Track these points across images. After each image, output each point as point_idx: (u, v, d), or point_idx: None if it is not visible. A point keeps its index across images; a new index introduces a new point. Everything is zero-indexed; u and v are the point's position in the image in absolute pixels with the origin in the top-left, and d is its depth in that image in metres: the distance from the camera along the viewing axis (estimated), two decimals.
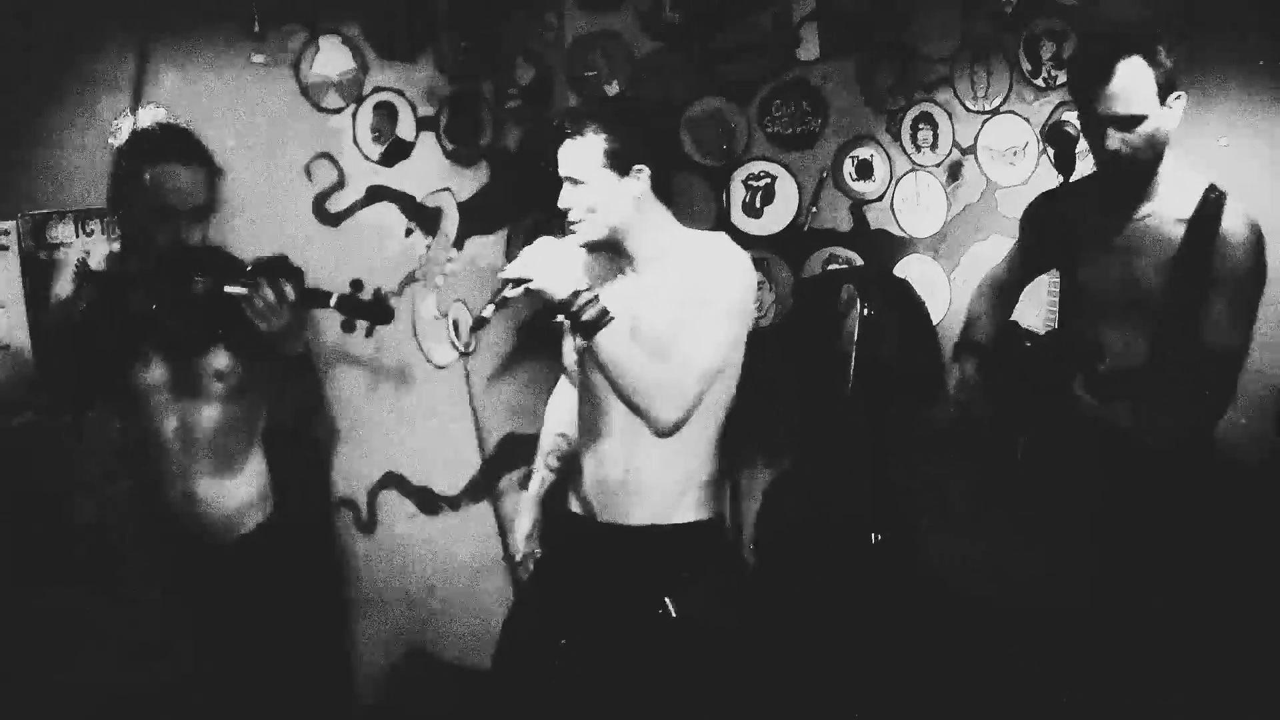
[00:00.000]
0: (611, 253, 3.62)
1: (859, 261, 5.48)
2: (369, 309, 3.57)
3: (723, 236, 3.58)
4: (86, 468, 4.12)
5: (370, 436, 4.97)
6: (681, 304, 3.41)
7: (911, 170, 5.42)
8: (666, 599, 3.46)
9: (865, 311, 4.88)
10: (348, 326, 3.78)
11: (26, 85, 4.24)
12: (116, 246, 3.97)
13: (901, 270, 5.42)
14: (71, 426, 3.66)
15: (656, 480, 3.54)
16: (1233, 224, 3.52)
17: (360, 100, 4.86)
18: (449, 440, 5.17)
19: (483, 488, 5.25)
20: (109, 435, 4.07)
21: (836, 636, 4.73)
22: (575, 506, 3.74)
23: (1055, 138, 3.25)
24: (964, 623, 4.89)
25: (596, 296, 3.34)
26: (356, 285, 3.51)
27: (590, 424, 3.67)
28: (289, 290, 3.42)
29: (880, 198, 5.46)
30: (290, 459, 4.00)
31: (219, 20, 4.51)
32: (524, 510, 4.02)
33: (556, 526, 3.85)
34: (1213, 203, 3.55)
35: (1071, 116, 4.86)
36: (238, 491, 3.77)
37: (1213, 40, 4.81)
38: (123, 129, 3.60)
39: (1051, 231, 3.94)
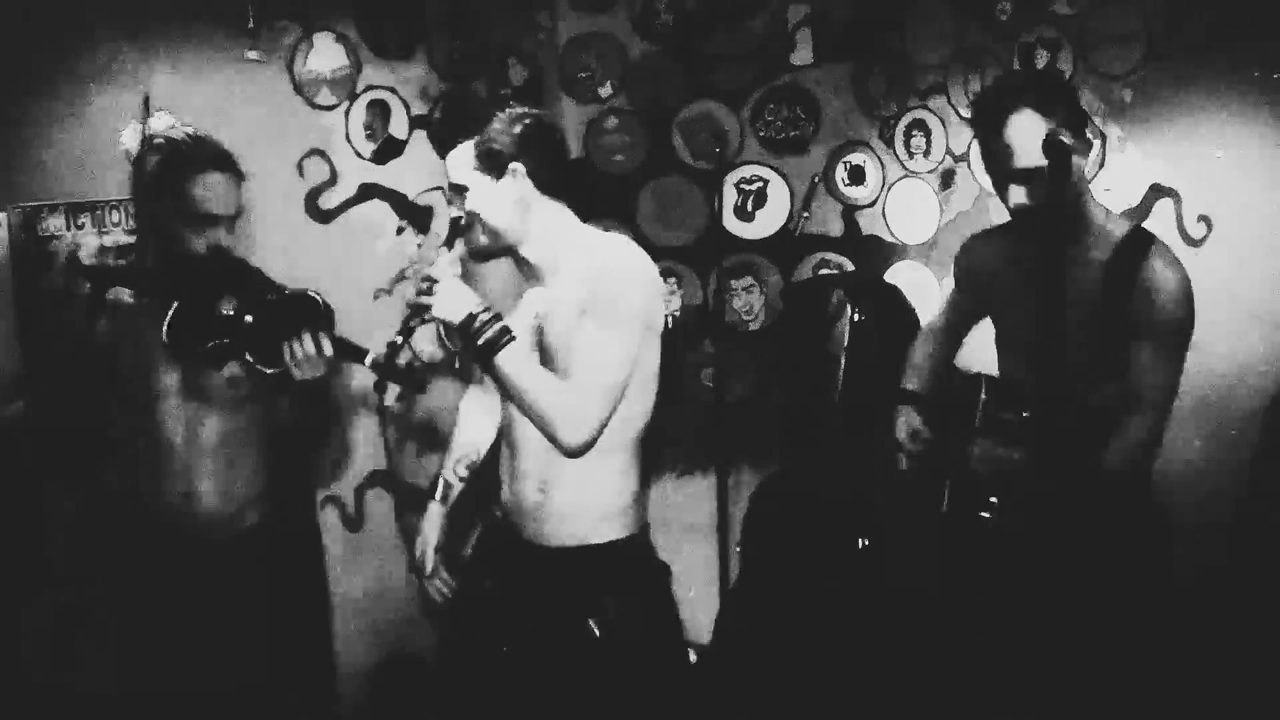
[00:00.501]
0: (513, 262, 3.43)
1: (850, 267, 5.48)
2: (404, 377, 3.50)
3: (621, 239, 3.36)
4: (74, 461, 4.10)
5: (358, 433, 4.96)
6: (581, 314, 3.18)
7: (904, 176, 5.42)
8: (590, 621, 3.32)
9: (855, 317, 4.87)
10: (379, 387, 3.77)
11: (18, 79, 4.24)
12: (110, 240, 3.95)
13: (892, 276, 5.42)
14: (56, 425, 3.65)
15: (572, 500, 3.33)
16: (1160, 268, 3.39)
17: (353, 97, 4.86)
18: (438, 438, 5.16)
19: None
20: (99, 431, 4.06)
21: (822, 639, 4.72)
22: (499, 512, 3.57)
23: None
24: (945, 628, 4.91)
25: (496, 316, 3.17)
26: (393, 347, 3.47)
27: (507, 437, 3.50)
28: (326, 345, 3.41)
29: (872, 203, 5.46)
30: (284, 458, 3.99)
31: (213, 16, 4.50)
32: (432, 522, 3.76)
33: (485, 533, 3.69)
34: (1138, 246, 3.42)
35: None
36: (238, 492, 3.76)
37: (1202, 52, 4.82)
38: (133, 135, 3.58)
39: (980, 275, 3.86)
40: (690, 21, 5.40)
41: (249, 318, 3.42)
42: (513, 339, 3.16)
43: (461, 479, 3.79)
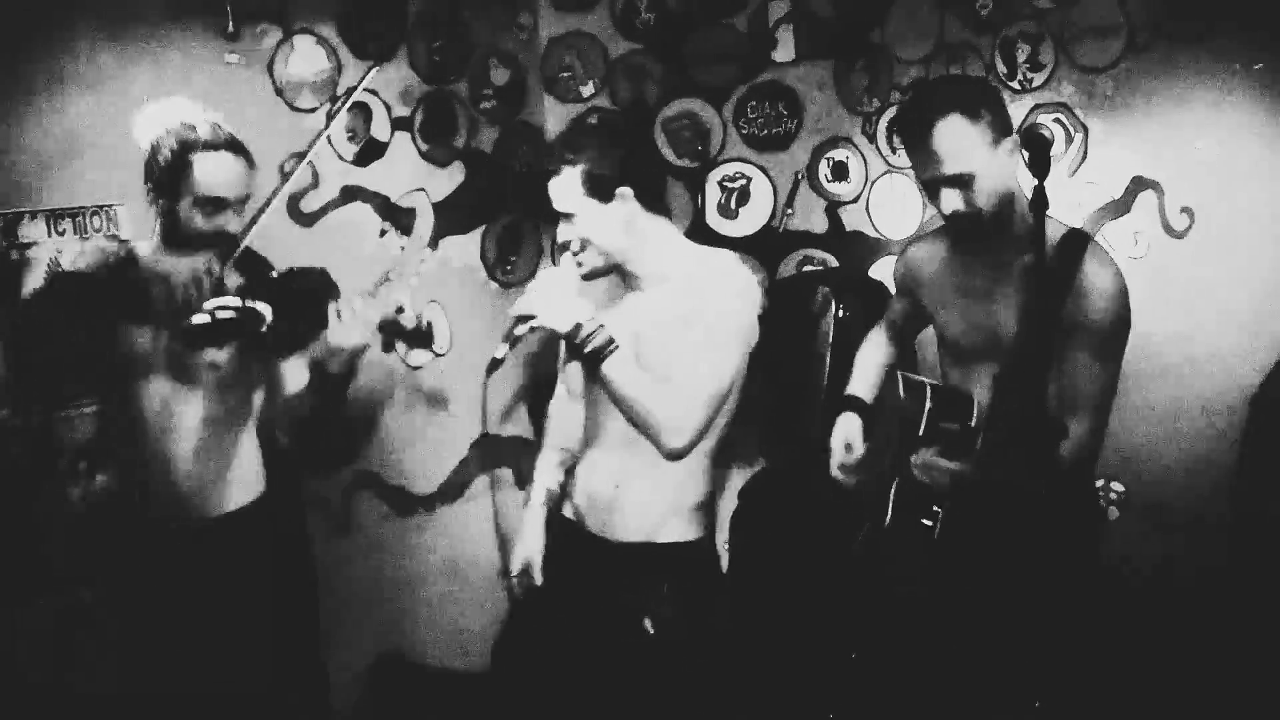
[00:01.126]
0: (619, 276, 3.55)
1: (834, 263, 5.49)
2: (412, 334, 3.59)
3: (728, 255, 3.54)
4: (59, 465, 4.09)
5: (345, 436, 4.95)
6: (685, 326, 3.34)
7: (887, 172, 5.42)
8: (646, 619, 3.43)
9: (840, 313, 4.88)
10: (388, 347, 3.84)
11: None
12: (91, 246, 3.92)
13: (877, 272, 5.42)
14: (42, 426, 3.64)
15: (646, 500, 3.48)
16: (1096, 270, 3.36)
17: (334, 100, 4.84)
18: (424, 440, 5.16)
19: (456, 489, 5.26)
20: (84, 431, 4.05)
21: (812, 637, 4.73)
22: (568, 511, 3.71)
23: (1030, 141, 3.16)
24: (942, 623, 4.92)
25: (600, 327, 3.33)
26: (399, 310, 3.52)
27: (590, 431, 3.65)
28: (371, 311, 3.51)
29: (855, 199, 5.47)
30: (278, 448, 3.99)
31: (194, 20, 4.48)
32: (534, 529, 3.82)
33: (551, 530, 3.79)
34: (1072, 247, 3.39)
35: (1048, 120, 4.91)
36: (233, 469, 3.75)
37: (1183, 43, 4.83)
38: (151, 118, 3.56)
39: (925, 282, 3.84)
40: (671, 20, 5.41)
41: (259, 305, 3.40)
42: (617, 348, 3.33)
43: (560, 482, 3.87)
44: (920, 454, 3.47)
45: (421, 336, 3.64)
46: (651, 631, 3.43)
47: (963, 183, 3.34)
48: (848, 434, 3.93)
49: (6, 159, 4.22)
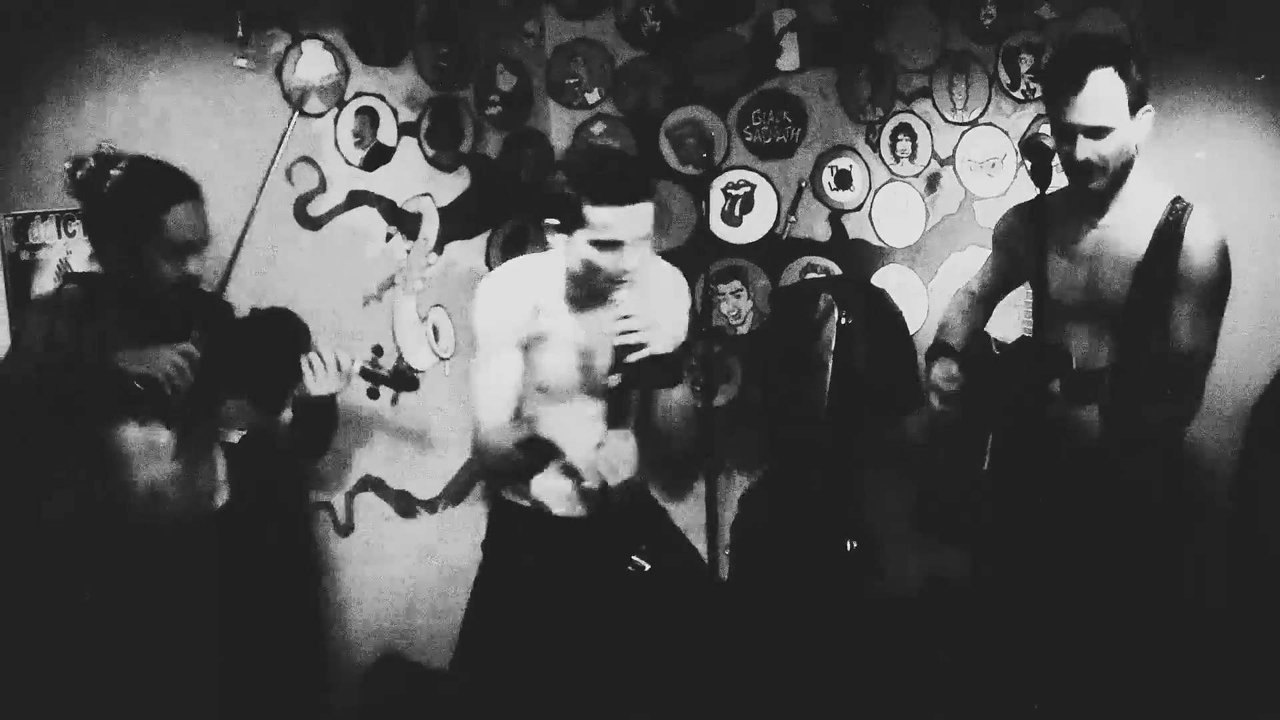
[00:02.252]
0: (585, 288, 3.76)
1: (837, 271, 5.51)
2: (394, 379, 3.65)
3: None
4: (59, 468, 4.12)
5: (348, 439, 4.97)
6: None
7: (890, 180, 5.45)
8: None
9: (843, 320, 4.90)
10: (373, 394, 3.92)
11: (9, 88, 4.25)
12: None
13: (879, 280, 5.45)
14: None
15: None
16: (1198, 234, 3.58)
17: (342, 104, 4.87)
18: (427, 443, 5.18)
19: (460, 491, 5.28)
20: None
21: (811, 642, 4.75)
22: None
23: (1032, 150, 3.27)
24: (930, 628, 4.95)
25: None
26: (378, 351, 3.59)
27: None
28: (343, 359, 3.62)
29: (859, 207, 5.49)
30: (263, 458, 4.02)
31: (203, 25, 4.51)
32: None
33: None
34: (1178, 213, 3.61)
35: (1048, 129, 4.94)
36: (195, 482, 3.77)
37: (1185, 52, 4.86)
38: (84, 161, 3.55)
39: (1021, 244, 3.99)
40: (676, 27, 5.43)
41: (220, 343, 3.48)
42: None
43: None
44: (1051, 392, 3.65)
45: (404, 380, 3.71)
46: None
47: (1100, 134, 3.55)
48: (949, 368, 4.14)
49: (17, 161, 4.25)
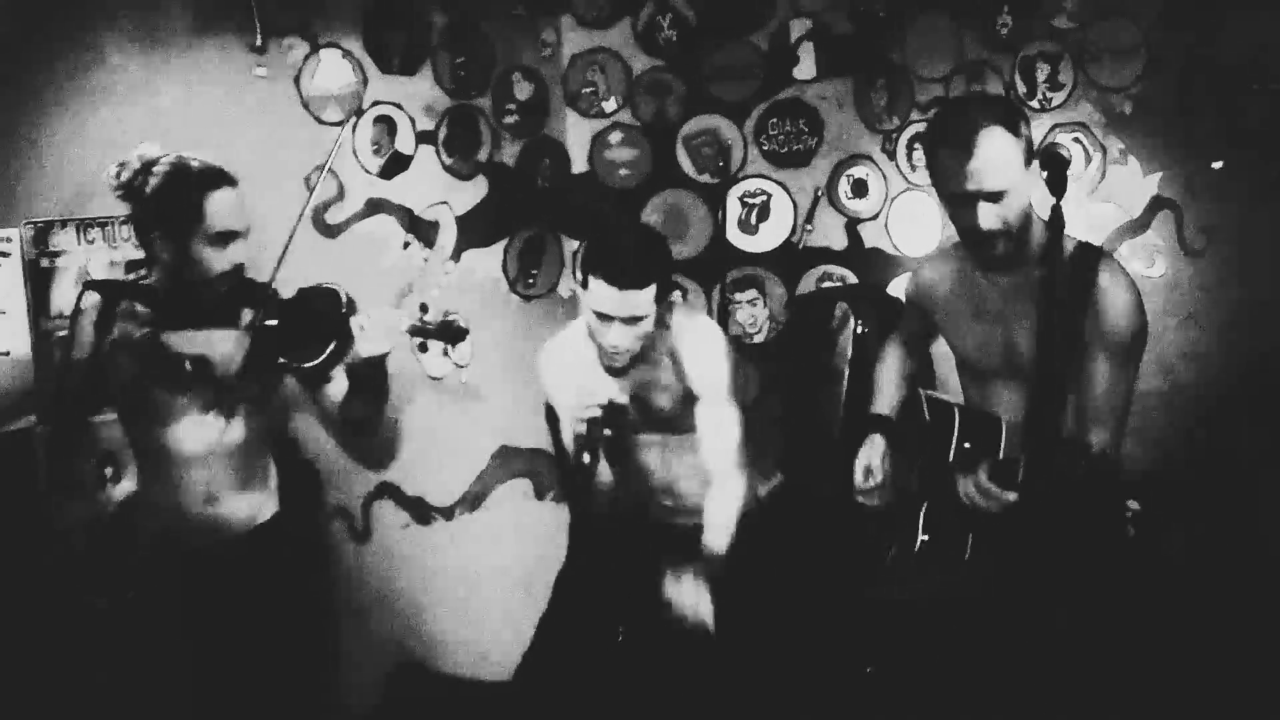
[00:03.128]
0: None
1: (853, 280, 5.51)
2: (441, 331, 3.65)
3: None
4: (85, 472, 4.14)
5: (365, 446, 4.98)
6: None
7: (906, 189, 5.45)
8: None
9: (859, 329, 4.90)
10: (422, 347, 3.97)
11: (29, 95, 4.28)
12: (120, 256, 3.97)
13: (895, 289, 5.45)
14: (74, 431, 3.68)
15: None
16: (1111, 282, 3.35)
17: (360, 113, 4.89)
18: (444, 451, 5.19)
19: (476, 498, 5.29)
20: (108, 438, 4.09)
21: (827, 653, 4.75)
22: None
23: (1049, 161, 3.14)
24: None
25: None
26: (423, 308, 3.62)
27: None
28: (390, 318, 3.63)
29: (875, 216, 5.50)
30: (293, 462, 4.03)
31: (222, 32, 4.53)
32: None
33: None
34: (1087, 260, 3.37)
35: (1066, 139, 4.94)
36: (255, 495, 3.79)
37: (1202, 64, 4.87)
38: (130, 165, 3.57)
39: (930, 295, 3.82)
40: (693, 37, 5.44)
41: (272, 321, 3.50)
42: None
43: None
44: (968, 480, 3.36)
45: (451, 332, 3.67)
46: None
47: (998, 197, 3.28)
48: (870, 458, 3.92)
49: (37, 169, 4.28)
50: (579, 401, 3.78)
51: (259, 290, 3.61)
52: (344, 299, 3.60)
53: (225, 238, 3.52)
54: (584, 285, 3.73)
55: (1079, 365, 3.35)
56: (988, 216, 3.30)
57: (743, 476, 4.02)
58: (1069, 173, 3.12)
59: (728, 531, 3.90)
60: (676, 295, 3.65)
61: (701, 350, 3.98)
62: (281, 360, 3.54)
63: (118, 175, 3.52)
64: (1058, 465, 3.14)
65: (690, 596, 3.74)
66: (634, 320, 3.70)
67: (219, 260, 3.52)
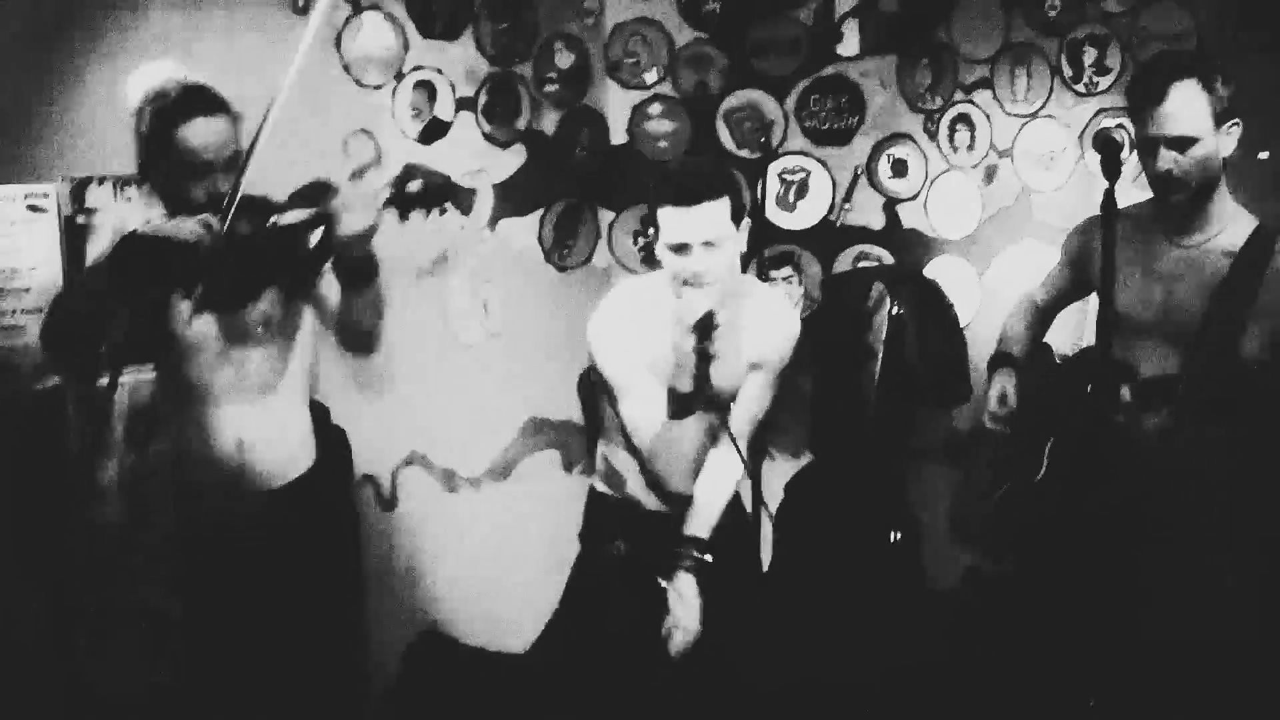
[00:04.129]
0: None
1: (890, 260, 5.48)
2: (424, 195, 3.50)
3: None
4: (116, 431, 4.13)
5: (396, 414, 4.96)
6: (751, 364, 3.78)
7: (946, 171, 5.41)
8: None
9: (894, 310, 4.88)
10: (403, 217, 3.81)
11: (68, 48, 4.25)
12: (156, 214, 3.94)
13: (932, 271, 5.42)
14: (106, 389, 3.64)
15: None
16: None
17: (400, 77, 4.86)
18: (474, 420, 5.17)
19: (505, 469, 5.27)
20: (141, 396, 4.07)
21: (854, 634, 4.73)
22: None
23: (1103, 144, 3.24)
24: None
25: None
26: (407, 172, 3.47)
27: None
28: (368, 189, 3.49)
29: (914, 197, 5.46)
30: (325, 428, 4.00)
31: None
32: None
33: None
34: (1264, 239, 3.52)
35: (1111, 124, 4.88)
36: (287, 438, 3.76)
37: (1255, 53, 4.81)
38: (135, 87, 3.54)
39: (1092, 259, 3.85)
40: (737, 9, 5.39)
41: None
42: None
43: None
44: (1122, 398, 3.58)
45: (435, 193, 3.53)
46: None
47: (1182, 145, 3.47)
48: (1004, 385, 4.08)
49: (75, 126, 4.26)
50: (666, 339, 3.53)
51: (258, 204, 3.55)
52: (335, 188, 3.53)
53: (202, 167, 3.45)
54: (655, 227, 3.51)
55: (1236, 340, 3.51)
56: (1165, 160, 3.50)
57: (742, 458, 3.75)
58: (1123, 156, 3.20)
59: (713, 513, 3.75)
60: (746, 223, 3.52)
61: (771, 318, 3.81)
62: (271, 223, 3.45)
63: (134, 98, 3.51)
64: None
65: (678, 608, 3.66)
66: (712, 245, 3.43)
67: (198, 190, 3.45)
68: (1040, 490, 3.92)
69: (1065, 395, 3.90)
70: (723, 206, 3.44)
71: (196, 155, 3.44)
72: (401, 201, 3.46)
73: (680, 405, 3.50)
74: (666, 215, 3.45)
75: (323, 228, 3.41)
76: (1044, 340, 4.23)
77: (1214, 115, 3.47)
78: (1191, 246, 3.62)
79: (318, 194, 3.51)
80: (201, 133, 3.45)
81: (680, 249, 3.44)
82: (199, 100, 3.49)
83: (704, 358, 3.43)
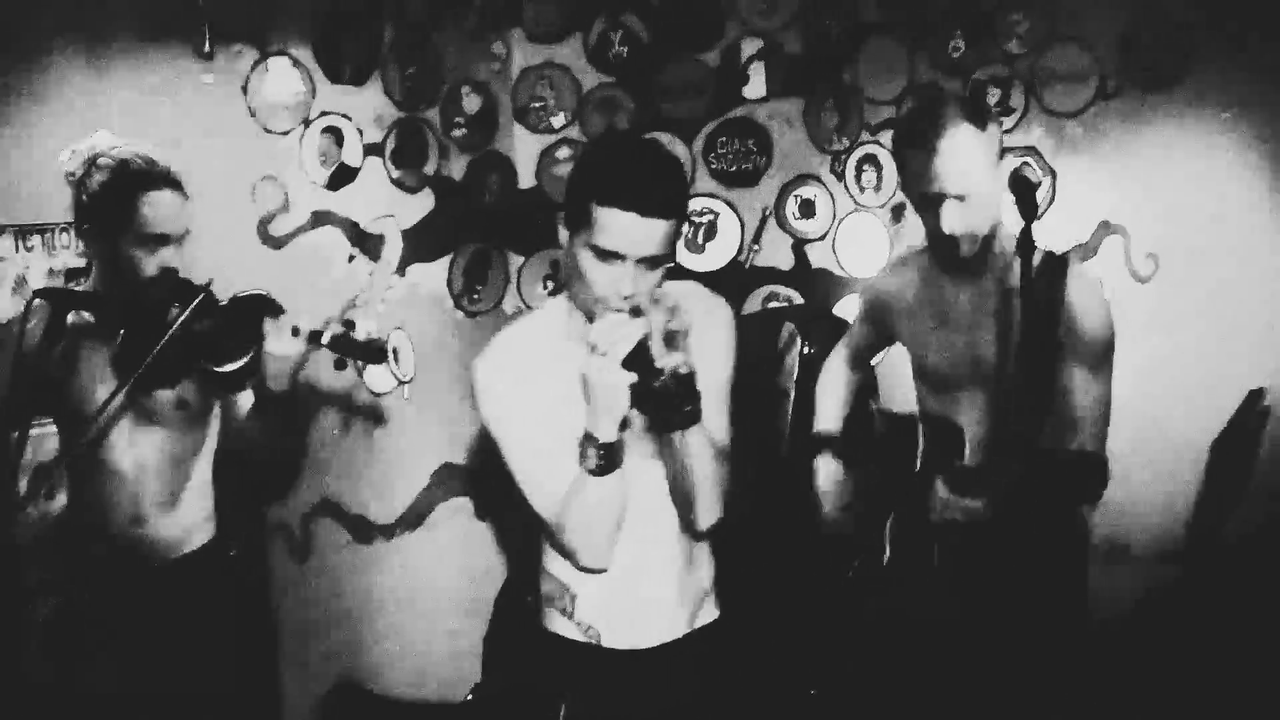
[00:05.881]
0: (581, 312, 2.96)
1: (799, 300, 5.50)
2: (363, 350, 3.47)
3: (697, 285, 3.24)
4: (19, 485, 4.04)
5: (306, 463, 4.91)
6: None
7: (854, 211, 5.44)
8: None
9: (805, 350, 4.89)
10: (340, 364, 3.74)
11: None
12: (59, 263, 3.89)
13: (842, 310, 5.44)
14: (17, 442, 3.58)
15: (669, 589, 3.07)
16: (1083, 293, 3.32)
17: (308, 123, 4.83)
18: (385, 468, 5.13)
19: (417, 517, 5.23)
20: (45, 451, 4.00)
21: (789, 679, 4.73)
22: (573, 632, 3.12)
23: (1016, 184, 3.10)
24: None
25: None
26: (349, 325, 3.44)
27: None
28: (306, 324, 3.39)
29: (822, 237, 5.48)
30: (232, 483, 3.95)
31: (169, 38, 4.46)
32: None
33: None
34: (1052, 269, 3.31)
35: (1016, 163, 4.95)
36: (186, 515, 3.72)
37: (1152, 91, 4.92)
38: (76, 157, 3.50)
39: (889, 304, 3.80)
40: (644, 53, 5.41)
41: (198, 324, 3.36)
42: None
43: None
44: (936, 492, 3.31)
45: (373, 352, 3.43)
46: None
47: (964, 198, 3.23)
48: (827, 482, 3.94)
49: None
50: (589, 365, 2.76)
51: (193, 292, 3.52)
52: (275, 305, 3.50)
53: (157, 240, 3.44)
54: (577, 223, 2.82)
55: (1051, 376, 3.30)
56: (952, 218, 3.26)
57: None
58: (1037, 196, 3.11)
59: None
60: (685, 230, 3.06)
61: (712, 322, 3.14)
62: (202, 362, 3.43)
63: (70, 160, 3.47)
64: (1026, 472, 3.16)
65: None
66: (652, 263, 2.79)
67: (149, 263, 3.44)
68: (889, 572, 3.70)
69: (891, 469, 3.72)
70: (672, 228, 2.80)
71: (155, 227, 3.42)
72: (342, 347, 3.42)
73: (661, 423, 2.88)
74: (610, 217, 2.75)
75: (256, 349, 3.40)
76: (862, 405, 4.06)
77: (991, 158, 3.28)
78: (984, 290, 3.46)
79: (259, 306, 3.48)
80: (164, 206, 3.44)
81: (611, 257, 2.78)
82: (162, 172, 3.47)
83: (674, 383, 2.73)
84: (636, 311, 2.76)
